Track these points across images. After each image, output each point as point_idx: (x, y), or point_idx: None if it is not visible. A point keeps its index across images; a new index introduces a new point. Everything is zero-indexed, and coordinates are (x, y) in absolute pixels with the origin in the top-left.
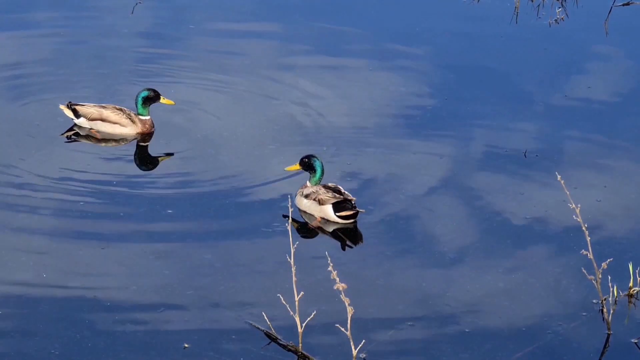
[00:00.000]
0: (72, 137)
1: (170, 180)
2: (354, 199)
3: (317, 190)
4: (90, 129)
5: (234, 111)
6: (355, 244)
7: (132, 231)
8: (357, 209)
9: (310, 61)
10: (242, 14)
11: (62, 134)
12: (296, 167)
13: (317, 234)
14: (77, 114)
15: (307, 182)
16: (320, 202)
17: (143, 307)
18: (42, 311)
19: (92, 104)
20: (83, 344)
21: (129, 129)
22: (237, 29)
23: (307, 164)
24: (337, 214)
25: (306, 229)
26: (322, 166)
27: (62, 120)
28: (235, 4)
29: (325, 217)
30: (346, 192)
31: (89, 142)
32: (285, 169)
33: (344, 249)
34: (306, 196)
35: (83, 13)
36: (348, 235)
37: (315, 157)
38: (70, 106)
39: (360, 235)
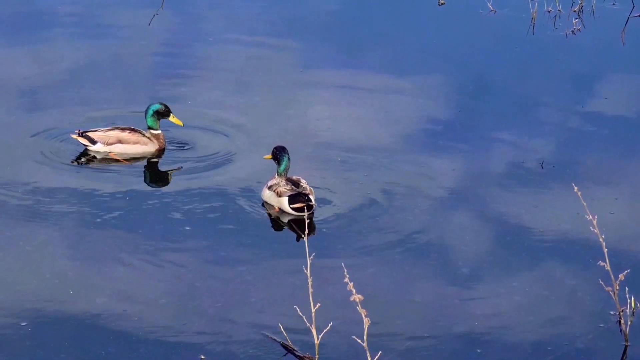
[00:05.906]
0: (82, 161)
1: (183, 196)
2: (311, 191)
3: (278, 183)
4: (110, 152)
5: (247, 122)
6: (308, 235)
7: (153, 248)
8: (309, 201)
9: (326, 74)
10: (260, 26)
11: (74, 162)
12: (269, 156)
13: (334, 246)
14: (92, 141)
15: (275, 174)
16: (278, 194)
17: (164, 321)
18: (67, 327)
19: (102, 129)
20: None
21: (149, 147)
22: (255, 41)
23: (275, 155)
24: (291, 206)
25: (320, 239)
26: (288, 160)
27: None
28: (252, 15)
29: (282, 209)
30: (304, 186)
31: (105, 164)
32: (264, 157)
33: (297, 241)
34: (269, 187)
35: (101, 25)
36: (303, 229)
37: (285, 153)
38: (81, 134)
39: (314, 227)
